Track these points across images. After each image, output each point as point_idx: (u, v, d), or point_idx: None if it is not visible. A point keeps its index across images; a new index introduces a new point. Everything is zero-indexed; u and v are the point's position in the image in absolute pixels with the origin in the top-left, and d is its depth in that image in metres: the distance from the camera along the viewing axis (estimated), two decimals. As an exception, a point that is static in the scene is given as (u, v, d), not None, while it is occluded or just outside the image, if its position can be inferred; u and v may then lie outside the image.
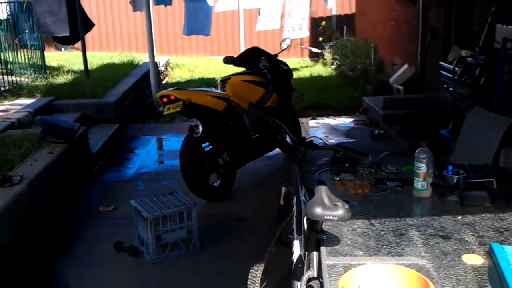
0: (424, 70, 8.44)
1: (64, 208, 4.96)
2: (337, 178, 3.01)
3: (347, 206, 2.18)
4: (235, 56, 6.09)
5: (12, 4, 9.02)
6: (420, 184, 2.76)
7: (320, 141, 3.11)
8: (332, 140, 7.18)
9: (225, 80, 5.60)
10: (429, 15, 8.28)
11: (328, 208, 2.17)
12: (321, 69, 12.96)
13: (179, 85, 11.55)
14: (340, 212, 2.15)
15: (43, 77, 9.06)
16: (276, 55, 6.10)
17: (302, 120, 8.10)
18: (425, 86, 8.41)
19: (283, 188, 3.10)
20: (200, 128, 4.84)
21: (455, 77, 5.38)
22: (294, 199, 2.84)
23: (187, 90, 5.12)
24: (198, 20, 9.74)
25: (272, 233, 3.15)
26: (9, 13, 8.88)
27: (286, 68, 6.15)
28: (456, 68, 5.41)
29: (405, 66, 8.91)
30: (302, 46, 15.33)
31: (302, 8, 10.87)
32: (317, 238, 2.32)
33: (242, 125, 5.32)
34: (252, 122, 5.33)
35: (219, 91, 5.41)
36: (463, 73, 5.31)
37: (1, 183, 4.09)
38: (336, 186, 2.94)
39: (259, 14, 10.84)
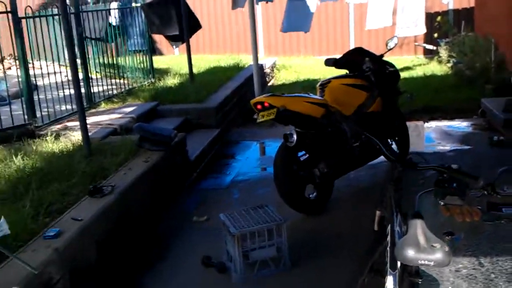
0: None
1: (157, 219, 4.91)
2: (442, 203, 2.59)
3: (447, 248, 1.78)
4: (337, 57, 5.71)
5: (122, 10, 9.29)
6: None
7: (422, 160, 2.70)
8: (445, 147, 6.56)
9: (324, 84, 5.25)
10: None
11: (423, 250, 1.79)
12: (436, 68, 12.13)
13: (285, 88, 11.38)
14: (438, 256, 1.77)
15: (151, 81, 9.26)
16: (382, 55, 5.63)
17: (415, 123, 7.55)
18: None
19: (377, 212, 2.73)
20: (295, 136, 4.55)
21: None
22: (389, 227, 2.46)
23: (282, 96, 4.85)
24: (298, 17, 9.44)
25: (367, 258, 2.79)
26: (120, 19, 9.16)
27: (392, 69, 5.66)
28: None
29: (532, 64, 7.99)
30: (416, 43, 14.50)
31: (417, 2, 10.15)
32: (411, 281, 1.95)
33: (341, 132, 4.95)
34: (353, 129, 4.94)
35: (317, 96, 5.08)
36: None
37: (91, 193, 4.08)
38: (440, 212, 2.53)
39: (368, 10, 10.29)
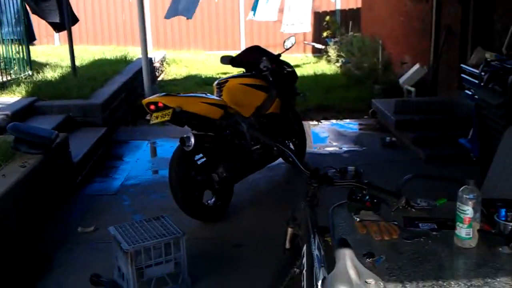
0: (437, 71, 7.83)
1: (38, 231, 4.36)
2: (357, 218, 2.42)
3: (382, 284, 1.57)
4: (234, 55, 5.47)
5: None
6: (465, 231, 2.18)
7: (334, 170, 2.52)
8: (340, 148, 6.57)
9: (222, 84, 4.98)
10: (444, 11, 7.65)
11: (356, 288, 1.57)
12: (325, 67, 12.35)
13: (175, 82, 10.99)
14: (373, 293, 1.55)
15: (28, 74, 8.43)
16: (280, 55, 5.49)
17: (308, 122, 7.53)
18: (439, 88, 7.80)
19: (289, 229, 2.50)
20: (192, 140, 4.23)
21: (481, 83, 4.76)
22: (304, 248, 2.23)
23: (178, 96, 4.51)
24: (182, 2, 9.07)
25: (278, 278, 2.55)
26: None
27: (290, 69, 5.54)
28: (482, 73, 4.80)
29: (417, 66, 8.29)
30: (305, 42, 14.71)
31: (304, 1, 10.27)
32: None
33: (240, 134, 4.72)
34: (252, 132, 4.73)
35: (214, 96, 4.80)
36: (491, 79, 4.69)
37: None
38: (356, 228, 2.36)
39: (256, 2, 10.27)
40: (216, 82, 5.07)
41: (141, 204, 5.01)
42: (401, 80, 8.42)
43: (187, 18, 9.72)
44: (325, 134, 7.29)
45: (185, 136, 4.26)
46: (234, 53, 6.08)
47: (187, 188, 4.38)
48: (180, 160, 4.38)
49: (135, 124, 7.82)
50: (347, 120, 7.89)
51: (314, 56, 14.45)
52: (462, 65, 5.61)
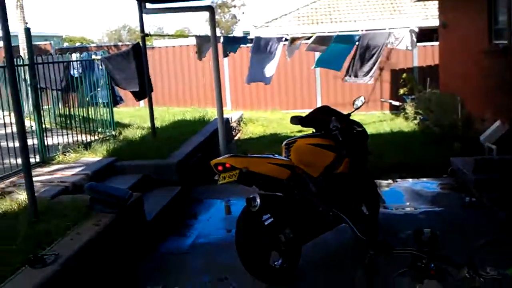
0: (520, 128, 7.46)
1: (109, 288, 4.46)
2: None
3: None
4: (303, 116, 5.50)
5: (84, 62, 9.01)
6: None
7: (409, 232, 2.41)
8: (416, 208, 6.32)
9: (290, 144, 5.00)
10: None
11: None
12: (402, 124, 12.13)
13: (251, 142, 11.16)
14: None
15: (111, 135, 8.89)
16: (349, 114, 5.44)
17: (383, 181, 7.35)
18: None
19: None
20: (258, 201, 4.23)
21: None
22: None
23: (245, 157, 4.57)
24: (260, 68, 9.63)
25: None
26: (80, 71, 8.86)
27: (360, 129, 5.46)
28: None
29: (498, 123, 7.94)
30: (382, 99, 14.60)
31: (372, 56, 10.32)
32: None
33: (308, 195, 4.67)
34: (321, 192, 4.67)
35: (282, 157, 4.81)
36: None
37: (31, 263, 3.65)
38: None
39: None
40: (284, 142, 5.10)
41: (210, 263, 5.01)
42: (482, 137, 8.08)
43: (266, 84, 10.26)
44: (401, 194, 7.05)
45: (251, 196, 4.27)
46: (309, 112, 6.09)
47: (253, 249, 4.35)
48: (247, 220, 4.37)
49: (210, 183, 7.93)
50: (425, 179, 7.61)
51: (392, 113, 14.27)
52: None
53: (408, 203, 6.59)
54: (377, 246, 2.16)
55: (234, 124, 11.84)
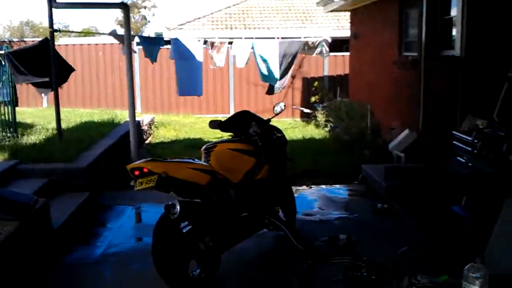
0: (426, 137, 7.79)
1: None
2: (356, 298, 2.23)
3: None
4: (222, 120, 5.38)
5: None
6: (472, 314, 2.00)
7: (325, 239, 2.35)
8: (330, 215, 6.39)
9: (210, 149, 4.86)
10: (432, 79, 7.70)
11: None
12: (314, 131, 12.36)
13: (163, 145, 10.87)
14: None
15: (12, 136, 8.28)
16: (269, 119, 5.40)
17: (296, 188, 7.38)
18: (429, 154, 7.73)
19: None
20: (178, 208, 4.04)
21: (475, 151, 4.68)
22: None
23: (164, 161, 4.37)
24: (190, 81, 9.72)
25: None
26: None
27: (280, 135, 5.44)
28: (475, 141, 4.72)
29: (406, 131, 8.27)
30: (294, 107, 14.81)
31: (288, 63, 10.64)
32: None
33: (228, 201, 4.55)
34: (242, 199, 4.57)
35: (202, 162, 4.66)
36: (484, 147, 4.61)
37: None
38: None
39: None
40: (203, 147, 4.95)
41: (122, 274, 4.75)
42: (391, 145, 8.37)
43: (198, 96, 11.05)
44: (315, 200, 7.12)
45: (170, 203, 4.07)
46: (222, 117, 6.01)
47: (171, 258, 4.15)
48: (164, 228, 4.17)
49: (120, 188, 7.59)
50: (337, 186, 7.75)
51: (303, 121, 14.51)
52: (453, 131, 5.55)
53: (322, 209, 6.65)
54: (314, 255, 2.07)
55: (145, 128, 11.49)
